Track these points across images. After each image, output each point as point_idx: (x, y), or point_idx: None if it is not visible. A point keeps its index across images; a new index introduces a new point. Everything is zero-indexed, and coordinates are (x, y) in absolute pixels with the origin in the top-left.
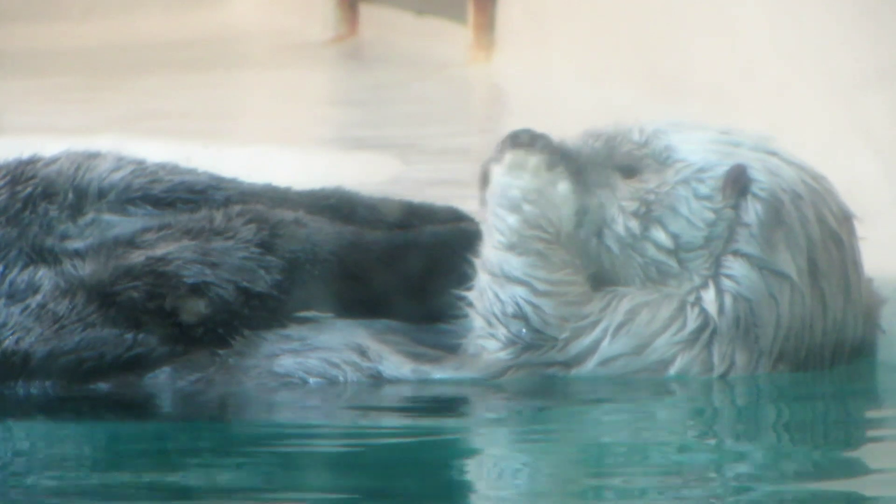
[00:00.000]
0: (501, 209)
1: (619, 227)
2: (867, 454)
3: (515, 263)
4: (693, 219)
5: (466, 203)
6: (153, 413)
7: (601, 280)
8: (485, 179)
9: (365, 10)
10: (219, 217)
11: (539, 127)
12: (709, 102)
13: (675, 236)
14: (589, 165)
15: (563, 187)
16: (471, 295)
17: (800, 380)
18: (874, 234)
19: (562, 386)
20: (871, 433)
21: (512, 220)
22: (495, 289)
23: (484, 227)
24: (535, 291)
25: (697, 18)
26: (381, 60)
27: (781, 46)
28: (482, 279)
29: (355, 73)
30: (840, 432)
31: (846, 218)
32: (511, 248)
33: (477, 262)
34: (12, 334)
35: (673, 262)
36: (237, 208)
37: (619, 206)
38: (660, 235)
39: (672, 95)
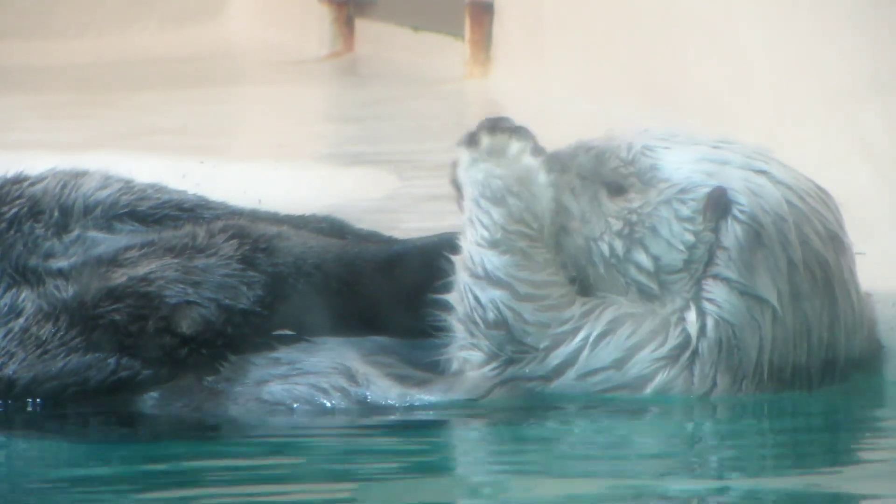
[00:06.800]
0: (485, 201)
1: (604, 247)
2: (862, 476)
3: (498, 263)
4: (673, 241)
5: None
6: (137, 435)
7: (587, 289)
8: (457, 164)
9: (361, 26)
10: (201, 234)
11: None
12: (705, 115)
13: (655, 258)
14: (577, 177)
15: (543, 178)
16: (451, 297)
17: (790, 399)
18: (871, 245)
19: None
20: (866, 454)
21: (496, 213)
22: (476, 291)
23: (464, 219)
24: (516, 295)
25: (693, 31)
26: (378, 76)
27: (777, 58)
28: (462, 279)
29: (351, 89)
30: (831, 454)
31: (833, 237)
32: (494, 245)
33: (457, 259)
34: None
35: (654, 285)
36: (220, 224)
37: (606, 222)
38: (641, 257)
39: (668, 108)
